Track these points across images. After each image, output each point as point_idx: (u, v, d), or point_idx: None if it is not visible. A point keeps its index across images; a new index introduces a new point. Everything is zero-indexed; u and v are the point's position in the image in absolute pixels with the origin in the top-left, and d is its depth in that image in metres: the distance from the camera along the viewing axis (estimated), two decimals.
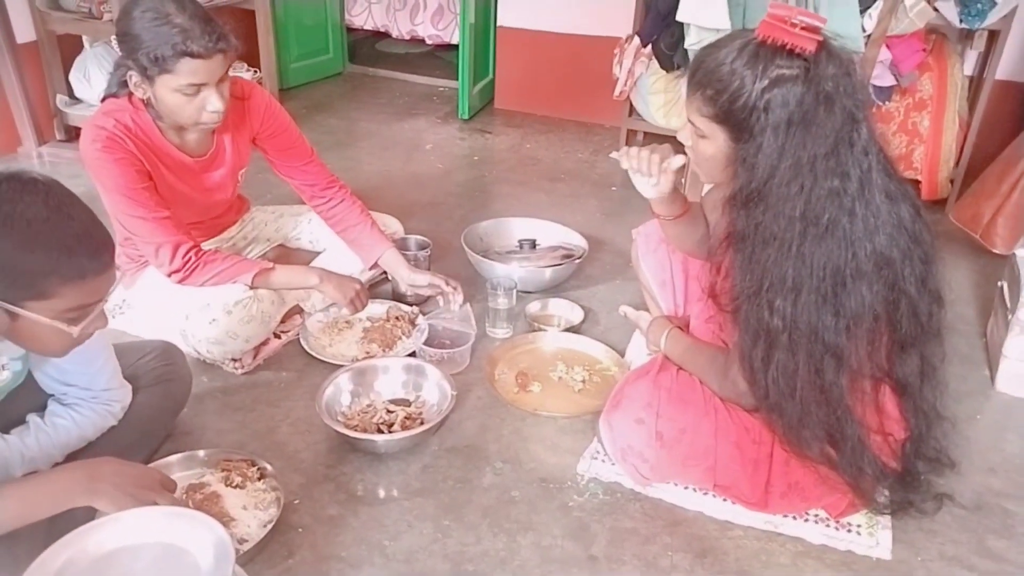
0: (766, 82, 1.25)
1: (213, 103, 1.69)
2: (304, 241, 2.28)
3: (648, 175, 1.59)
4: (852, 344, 1.31)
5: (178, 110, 1.70)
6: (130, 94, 1.74)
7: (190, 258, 1.79)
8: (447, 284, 2.08)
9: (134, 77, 1.68)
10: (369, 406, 1.77)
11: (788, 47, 1.25)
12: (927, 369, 1.42)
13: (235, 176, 2.01)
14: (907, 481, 1.49)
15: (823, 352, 1.30)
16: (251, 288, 1.87)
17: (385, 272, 2.20)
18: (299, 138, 2.07)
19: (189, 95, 1.67)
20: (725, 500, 1.56)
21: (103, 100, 1.80)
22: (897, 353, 1.39)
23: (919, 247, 1.33)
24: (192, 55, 1.61)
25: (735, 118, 1.31)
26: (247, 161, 2.03)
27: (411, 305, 2.18)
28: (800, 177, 1.25)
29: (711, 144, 1.38)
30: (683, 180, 1.58)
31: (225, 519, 1.42)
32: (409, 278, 2.10)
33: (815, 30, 1.25)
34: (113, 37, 1.71)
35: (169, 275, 1.80)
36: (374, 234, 2.12)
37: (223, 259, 1.85)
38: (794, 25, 1.24)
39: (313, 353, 1.98)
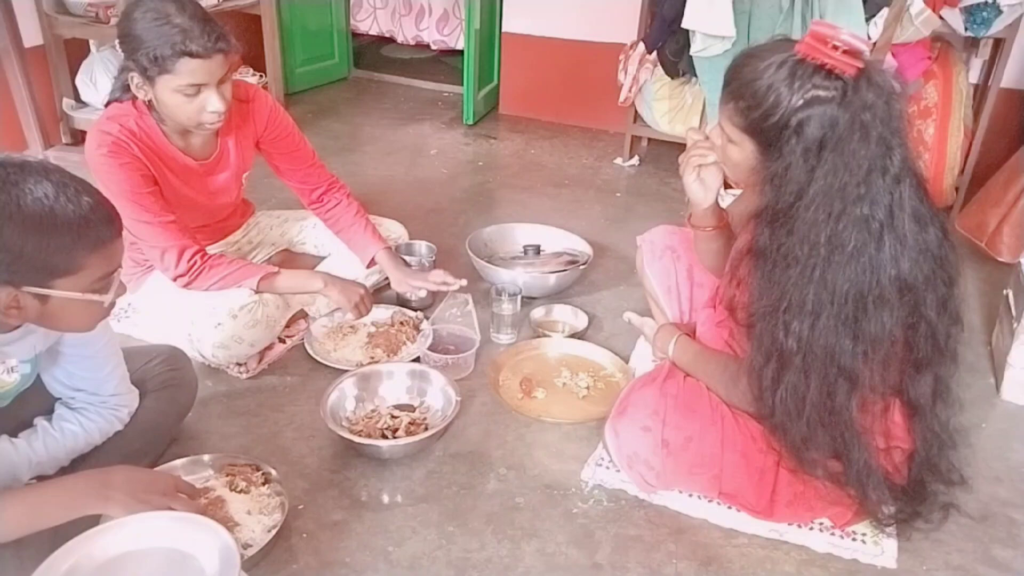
0: (801, 102, 1.24)
1: (213, 103, 1.68)
2: (309, 246, 2.29)
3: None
4: (867, 368, 1.29)
5: (178, 111, 1.69)
6: (134, 98, 1.74)
7: (195, 262, 1.79)
8: (443, 278, 2.09)
9: (135, 79, 1.68)
10: (374, 411, 1.77)
11: (827, 68, 1.23)
12: (940, 389, 1.40)
13: (239, 179, 2.02)
14: (914, 493, 1.48)
15: (837, 375, 1.29)
16: (256, 292, 1.87)
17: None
18: (302, 141, 2.08)
19: (189, 95, 1.66)
20: (730, 508, 1.56)
21: (107, 105, 1.80)
22: (911, 374, 1.38)
23: (943, 270, 1.31)
24: (191, 55, 1.61)
25: (766, 134, 1.29)
26: (251, 164, 2.03)
27: (416, 310, 2.19)
28: (828, 203, 1.23)
29: (738, 151, 1.37)
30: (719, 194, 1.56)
31: (229, 524, 1.41)
32: (401, 280, 2.11)
33: (858, 54, 1.22)
34: (116, 40, 1.71)
35: (174, 279, 1.81)
36: (368, 233, 2.13)
37: (228, 263, 1.85)
38: (836, 47, 1.21)
39: (318, 358, 1.98)
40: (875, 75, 1.24)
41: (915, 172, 1.29)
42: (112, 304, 1.22)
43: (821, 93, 1.23)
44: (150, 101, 1.72)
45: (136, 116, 1.75)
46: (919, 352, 1.34)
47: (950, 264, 1.33)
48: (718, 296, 1.63)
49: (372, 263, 2.15)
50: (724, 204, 1.68)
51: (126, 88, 1.73)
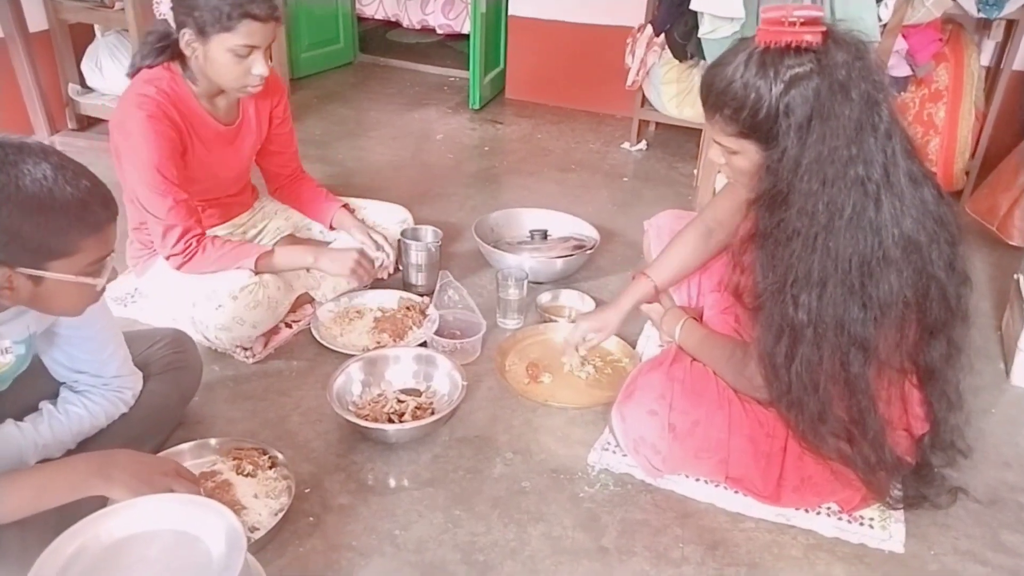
0: (781, 86, 1.23)
1: (259, 67, 1.76)
2: (315, 231, 2.28)
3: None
4: (880, 334, 1.28)
5: (225, 70, 1.75)
6: (164, 63, 1.79)
7: (191, 243, 1.81)
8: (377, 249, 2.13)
9: (187, 35, 1.72)
10: (380, 396, 1.77)
11: (793, 46, 1.23)
12: (953, 352, 1.39)
13: (255, 149, 2.07)
14: (921, 475, 1.48)
15: (849, 344, 1.28)
16: (255, 273, 1.88)
17: (398, 264, 2.21)
18: (292, 126, 2.19)
19: (241, 56, 1.73)
20: (737, 492, 1.55)
21: (134, 73, 1.82)
22: (926, 339, 1.36)
23: (944, 229, 1.30)
24: (254, 17, 1.69)
25: (761, 129, 1.28)
26: (265, 135, 2.07)
27: (422, 296, 2.18)
28: (822, 170, 1.23)
29: (744, 159, 1.35)
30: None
31: (236, 507, 1.42)
32: (359, 238, 2.14)
33: (816, 22, 1.23)
34: None
35: (168, 258, 1.82)
36: (322, 196, 2.22)
37: (220, 245, 1.87)
38: (792, 23, 1.22)
39: (324, 342, 1.98)
40: (840, 34, 1.25)
41: (903, 129, 1.28)
42: (103, 289, 1.21)
43: (797, 71, 1.23)
44: (185, 62, 1.78)
45: (169, 79, 1.80)
46: (931, 314, 1.33)
47: (950, 223, 1.31)
48: (723, 284, 1.63)
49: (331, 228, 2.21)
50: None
51: (158, 52, 1.79)
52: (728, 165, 1.41)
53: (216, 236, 1.91)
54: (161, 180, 1.75)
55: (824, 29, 1.23)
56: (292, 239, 2.28)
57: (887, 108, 1.25)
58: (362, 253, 1.98)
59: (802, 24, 1.22)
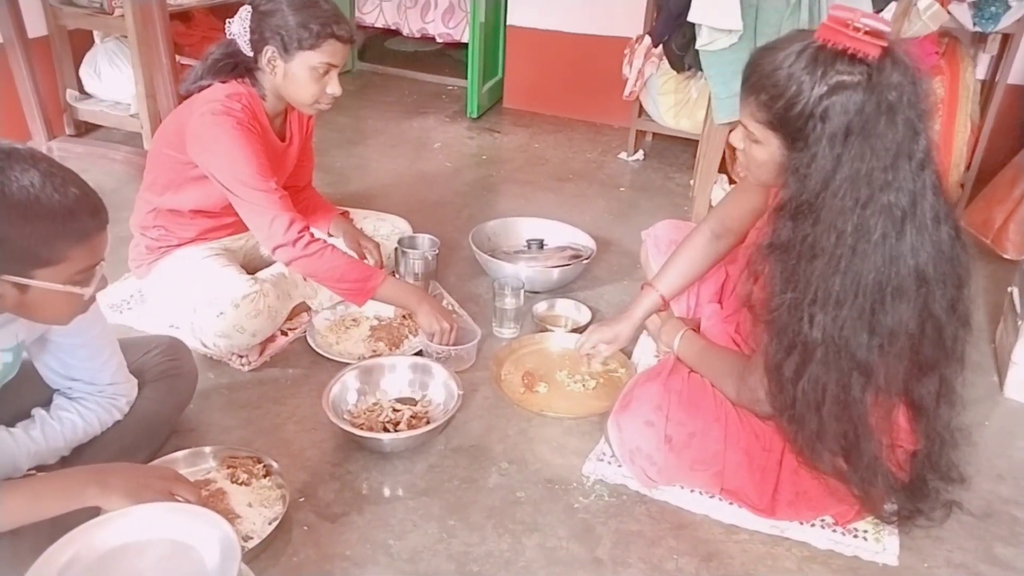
0: (825, 88, 1.19)
1: (334, 86, 1.86)
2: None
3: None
4: (883, 363, 1.27)
5: (304, 87, 1.83)
6: (238, 77, 1.86)
7: (305, 237, 1.80)
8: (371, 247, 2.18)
9: (269, 52, 1.79)
10: (375, 404, 1.77)
11: (850, 52, 1.19)
12: (944, 391, 1.38)
13: (294, 164, 2.12)
14: (915, 491, 1.48)
15: (852, 368, 1.27)
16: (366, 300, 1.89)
17: (395, 273, 2.22)
18: (312, 146, 2.25)
19: (320, 74, 1.82)
20: (732, 504, 1.55)
21: (197, 90, 1.86)
22: (916, 374, 1.36)
23: (954, 271, 1.29)
24: (338, 38, 1.79)
25: (791, 125, 1.25)
26: (299, 152, 2.12)
27: None
28: (856, 190, 1.20)
29: (764, 150, 1.33)
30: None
31: (230, 516, 1.42)
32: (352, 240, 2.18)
33: (880, 35, 1.18)
34: (247, 11, 1.80)
35: (277, 247, 1.80)
36: (326, 208, 2.27)
37: (342, 254, 1.88)
38: (857, 29, 1.18)
39: (320, 351, 1.98)
40: (900, 55, 1.20)
41: (935, 163, 1.26)
42: (92, 299, 1.20)
43: (845, 78, 1.19)
44: (254, 80, 1.86)
45: (247, 94, 1.86)
46: (924, 351, 1.32)
47: (961, 265, 1.30)
48: (733, 292, 1.62)
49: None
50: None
51: (230, 68, 1.86)
52: (745, 152, 1.37)
53: (334, 245, 1.91)
54: (259, 177, 1.78)
55: (885, 45, 1.19)
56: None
57: (926, 139, 1.22)
58: (453, 324, 1.94)
59: (866, 32, 1.17)
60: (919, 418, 1.41)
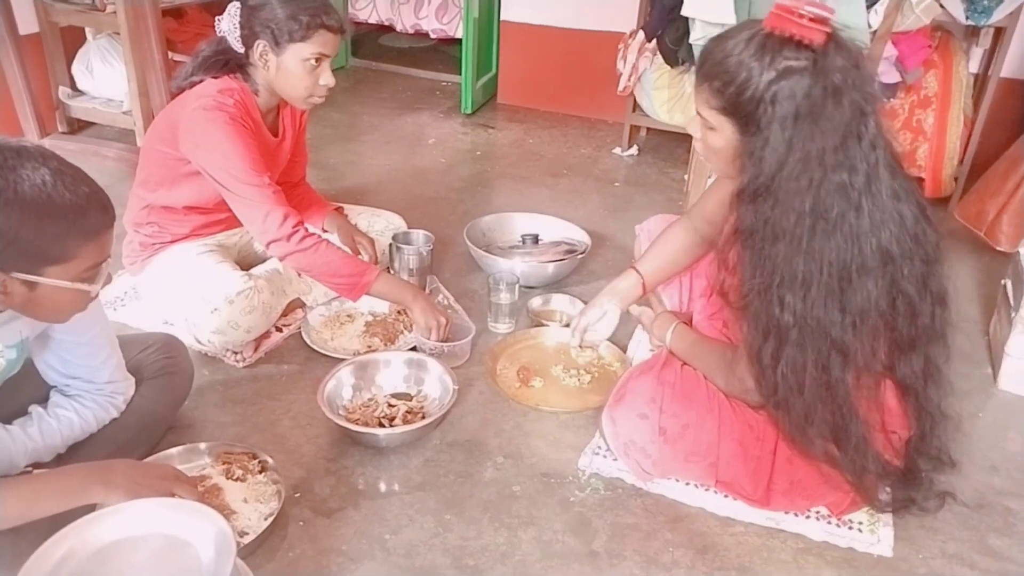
0: (773, 74, 1.24)
1: (327, 77, 1.85)
2: None
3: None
4: (858, 341, 1.30)
5: (297, 80, 1.82)
6: (229, 73, 1.85)
7: (299, 231, 1.80)
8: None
9: (261, 47, 1.79)
10: (371, 400, 1.77)
11: (796, 38, 1.23)
12: (931, 370, 1.40)
13: (287, 160, 2.11)
14: (909, 479, 1.48)
15: (829, 348, 1.29)
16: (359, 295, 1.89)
17: (389, 269, 2.21)
18: (305, 141, 2.24)
19: (313, 66, 1.81)
20: (727, 496, 1.56)
21: (188, 87, 1.85)
22: (898, 353, 1.38)
23: (920, 247, 1.31)
24: (328, 28, 1.78)
25: (742, 110, 1.29)
26: (292, 147, 2.12)
27: None
28: (809, 171, 1.24)
29: (719, 136, 1.37)
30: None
31: (226, 512, 1.42)
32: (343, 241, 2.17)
33: (824, 21, 1.23)
34: (235, 7, 1.80)
35: (271, 242, 1.80)
36: (320, 203, 2.26)
37: (336, 249, 1.88)
38: (802, 16, 1.22)
39: (315, 347, 1.98)
40: (843, 40, 1.26)
41: (889, 143, 1.30)
42: (96, 295, 1.21)
43: (792, 63, 1.23)
44: (247, 75, 1.85)
45: (239, 89, 1.85)
46: (901, 329, 1.34)
47: (928, 242, 1.32)
48: (709, 282, 1.64)
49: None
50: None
51: (221, 64, 1.84)
52: (703, 141, 1.42)
53: (328, 240, 1.91)
54: (252, 172, 1.78)
55: (829, 30, 1.24)
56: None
57: (874, 120, 1.26)
58: (448, 318, 1.95)
59: (811, 19, 1.22)
60: (908, 398, 1.42)
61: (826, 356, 1.30)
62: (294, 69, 1.81)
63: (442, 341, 1.94)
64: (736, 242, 1.36)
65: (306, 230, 1.83)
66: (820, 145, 1.23)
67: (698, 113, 1.39)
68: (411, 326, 2.06)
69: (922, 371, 1.39)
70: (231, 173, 1.78)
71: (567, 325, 2.13)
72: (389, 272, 2.22)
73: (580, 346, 1.88)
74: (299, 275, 2.06)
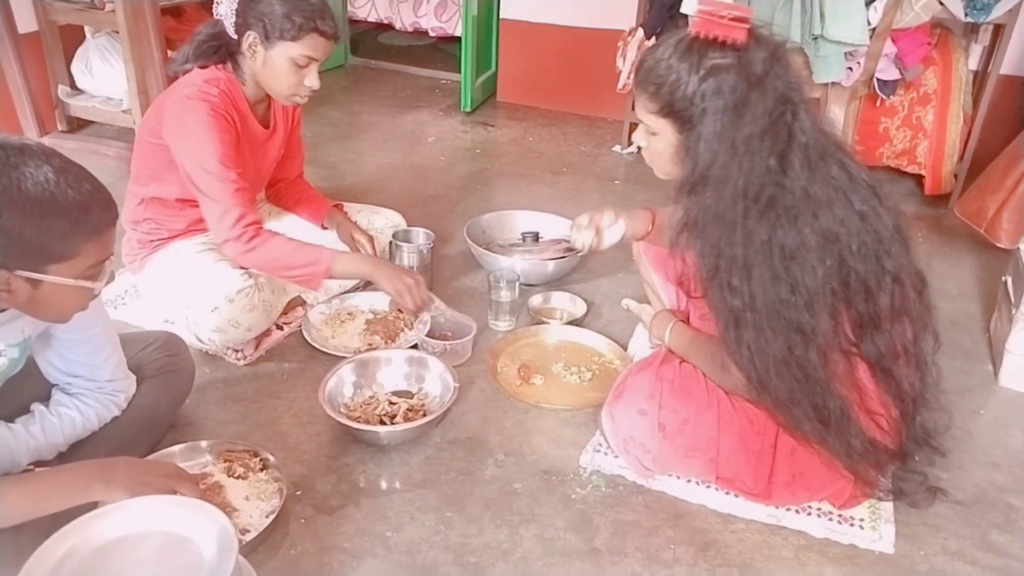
0: (702, 72, 1.31)
1: (312, 79, 1.84)
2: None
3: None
4: (815, 320, 1.32)
5: (282, 77, 1.81)
6: (218, 63, 1.84)
7: (248, 232, 1.80)
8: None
9: (251, 38, 1.77)
10: (372, 398, 1.77)
11: (720, 39, 1.30)
12: (899, 350, 1.41)
13: (280, 153, 2.11)
14: (902, 469, 1.49)
15: (787, 329, 1.32)
16: (322, 279, 1.88)
17: None
18: (300, 136, 2.24)
19: (300, 67, 1.80)
20: (728, 493, 1.56)
21: (183, 73, 1.85)
22: (862, 332, 1.39)
23: (869, 226, 1.33)
24: (321, 32, 1.78)
25: (677, 110, 1.36)
26: (286, 140, 2.11)
27: None
28: (738, 158, 1.29)
29: (661, 140, 1.43)
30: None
31: (227, 509, 1.42)
32: (346, 232, 2.16)
33: (744, 20, 1.30)
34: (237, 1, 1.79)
35: (225, 243, 1.81)
36: (318, 200, 2.25)
37: (285, 241, 1.86)
38: (722, 18, 1.29)
39: (316, 345, 1.98)
40: (762, 36, 1.33)
41: (824, 130, 1.35)
42: (98, 293, 1.21)
43: (719, 62, 1.30)
44: (235, 64, 1.84)
45: (226, 79, 1.85)
46: (859, 307, 1.36)
47: (880, 222, 1.34)
48: (672, 279, 1.66)
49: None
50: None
51: (211, 52, 1.84)
52: (648, 149, 1.48)
53: (279, 233, 1.90)
54: (222, 167, 1.77)
55: (749, 27, 1.31)
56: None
57: (803, 108, 1.31)
58: (417, 279, 1.92)
59: (731, 20, 1.29)
60: (880, 378, 1.43)
61: (785, 336, 1.32)
62: (280, 66, 1.80)
63: (443, 340, 1.93)
64: (683, 233, 1.39)
65: (256, 229, 1.81)
66: (747, 132, 1.28)
67: (640, 121, 1.45)
68: (412, 324, 2.06)
69: (889, 350, 1.40)
70: (200, 163, 1.77)
71: (568, 323, 2.14)
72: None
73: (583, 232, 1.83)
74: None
